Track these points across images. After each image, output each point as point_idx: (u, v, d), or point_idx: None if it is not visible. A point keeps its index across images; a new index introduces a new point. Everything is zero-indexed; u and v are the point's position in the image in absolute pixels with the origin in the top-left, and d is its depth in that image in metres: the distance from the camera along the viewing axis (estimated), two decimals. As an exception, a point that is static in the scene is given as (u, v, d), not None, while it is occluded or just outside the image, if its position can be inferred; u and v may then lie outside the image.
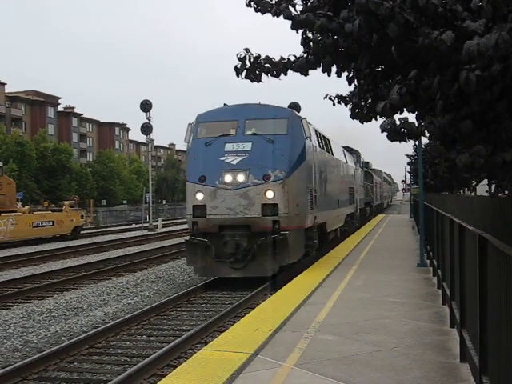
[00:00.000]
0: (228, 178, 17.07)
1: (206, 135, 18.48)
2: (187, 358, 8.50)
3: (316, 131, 21.87)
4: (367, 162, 54.68)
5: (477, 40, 3.76)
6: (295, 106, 21.73)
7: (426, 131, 5.38)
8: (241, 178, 16.99)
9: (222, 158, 17.36)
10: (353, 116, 6.14)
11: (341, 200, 27.50)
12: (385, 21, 4.15)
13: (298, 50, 5.49)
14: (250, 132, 18.09)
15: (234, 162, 17.21)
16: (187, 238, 17.93)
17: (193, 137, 18.47)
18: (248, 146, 17.50)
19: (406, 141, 5.29)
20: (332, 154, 25.54)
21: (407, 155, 44.94)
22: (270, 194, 16.83)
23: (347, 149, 35.81)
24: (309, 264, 18.21)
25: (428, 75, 4.51)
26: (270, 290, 15.95)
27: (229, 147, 17.58)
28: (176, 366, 8.19)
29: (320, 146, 21.90)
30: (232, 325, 10.77)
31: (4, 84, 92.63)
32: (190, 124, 18.74)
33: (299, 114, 19.15)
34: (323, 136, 23.99)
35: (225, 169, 17.17)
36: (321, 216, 20.73)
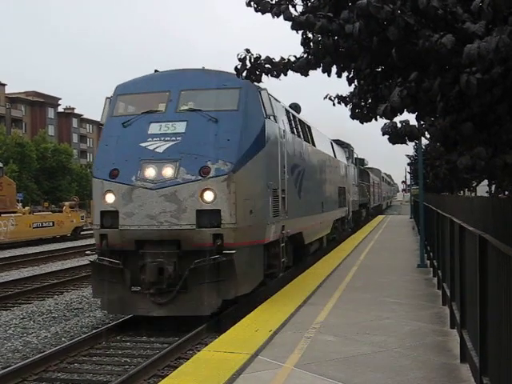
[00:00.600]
0: (150, 172, 12.06)
1: (126, 112, 13.81)
2: (187, 359, 8.50)
3: (288, 112, 17.09)
4: (362, 159, 48.61)
5: (477, 43, 3.77)
6: (295, 107, 20.55)
7: (426, 133, 5.39)
8: (168, 172, 11.96)
9: (143, 144, 12.44)
10: (353, 116, 6.15)
11: (326, 202, 22.82)
12: (385, 24, 4.16)
13: (299, 50, 5.49)
14: (185, 107, 13.18)
15: (160, 150, 12.24)
16: (95, 257, 12.95)
17: (108, 115, 13.61)
18: (181, 127, 12.53)
19: (406, 143, 5.30)
20: (313, 145, 20.51)
21: (407, 156, 44.92)
22: (208, 196, 11.75)
23: (337, 142, 30.58)
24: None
25: (428, 77, 4.52)
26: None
27: (154, 129, 12.65)
28: (176, 367, 8.18)
29: (294, 133, 17.07)
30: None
31: (4, 85, 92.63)
32: (107, 98, 13.83)
33: (259, 85, 12.16)
34: (300, 120, 19.08)
35: (146, 159, 12.21)
36: (294, 224, 15.89)
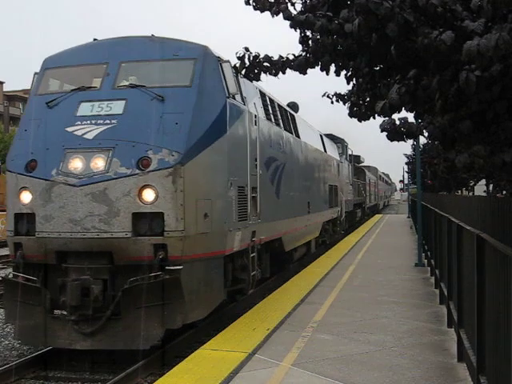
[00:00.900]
0: (75, 164, 9.45)
1: (53, 90, 10.99)
2: (184, 357, 8.49)
3: (264, 95, 13.99)
4: (358, 156, 46.23)
5: (477, 40, 3.77)
6: (293, 106, 20.06)
7: (424, 131, 5.40)
8: (98, 164, 9.38)
9: (69, 129, 9.79)
10: (351, 114, 6.15)
11: (314, 202, 19.84)
12: (384, 21, 4.16)
13: (298, 47, 5.50)
14: (125, 83, 10.44)
15: (90, 136, 9.61)
16: (8, 272, 10.63)
17: (32, 93, 11.01)
18: (118, 108, 9.89)
19: (405, 140, 5.31)
20: (297, 136, 17.38)
21: (405, 155, 44.99)
22: (148, 195, 9.22)
23: (329, 137, 27.75)
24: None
25: (427, 75, 4.52)
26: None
27: (85, 109, 10.00)
28: (173, 366, 8.17)
29: (271, 120, 14.13)
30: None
31: (2, 83, 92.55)
32: (35, 74, 11.18)
33: (220, 55, 10.89)
34: (281, 107, 15.97)
35: (71, 147, 9.59)
36: (270, 229, 13.33)
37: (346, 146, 32.88)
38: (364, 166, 52.50)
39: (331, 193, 24.42)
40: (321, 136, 23.72)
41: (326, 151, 23.71)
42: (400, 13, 4.11)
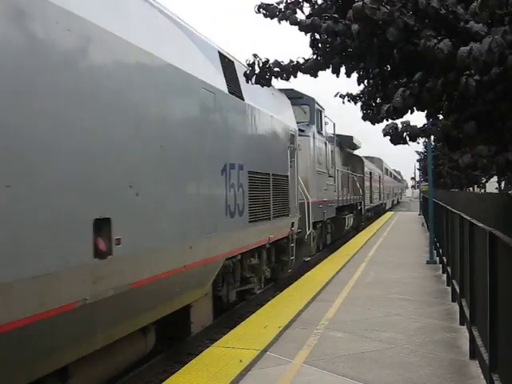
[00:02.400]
0: None
1: None
2: (196, 355, 8.51)
3: None
4: (350, 137, 30.75)
5: (470, 46, 3.78)
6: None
7: (429, 133, 5.40)
8: None
9: None
10: (364, 118, 6.17)
11: (197, 217, 8.86)
12: (384, 25, 4.17)
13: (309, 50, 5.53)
14: None
15: None
16: None
17: None
18: None
19: (408, 143, 5.31)
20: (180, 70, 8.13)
21: (417, 152, 44.91)
22: None
23: (287, 92, 16.83)
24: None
25: (432, 77, 4.52)
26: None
27: None
28: (185, 363, 8.19)
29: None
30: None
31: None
32: None
33: None
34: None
35: None
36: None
37: (320, 113, 20.71)
38: (365, 157, 41.80)
39: (277, 192, 13.89)
40: (221, 55, 10.71)
41: (243, 98, 11.41)
42: (400, 17, 4.11)
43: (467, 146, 5.17)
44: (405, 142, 5.28)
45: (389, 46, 4.44)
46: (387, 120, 5.28)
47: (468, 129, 4.61)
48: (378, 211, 48.28)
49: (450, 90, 4.45)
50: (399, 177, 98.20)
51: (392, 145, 5.32)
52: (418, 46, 4.16)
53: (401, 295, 12.21)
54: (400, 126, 5.17)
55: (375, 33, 4.35)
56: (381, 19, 4.11)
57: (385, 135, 5.24)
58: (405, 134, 5.14)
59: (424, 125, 5.55)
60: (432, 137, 6.01)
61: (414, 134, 5.21)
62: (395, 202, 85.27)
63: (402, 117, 5.18)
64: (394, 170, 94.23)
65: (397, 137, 5.19)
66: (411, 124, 5.19)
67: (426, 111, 5.40)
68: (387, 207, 60.69)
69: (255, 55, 5.52)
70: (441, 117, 5.47)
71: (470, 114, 4.60)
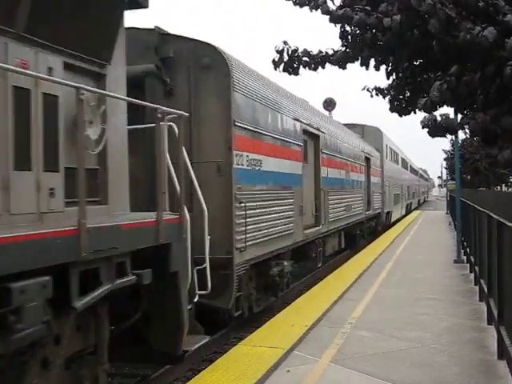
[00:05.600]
0: None
1: None
2: (223, 353, 8.54)
3: None
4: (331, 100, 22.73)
5: None
6: (330, 102, 20.48)
7: (466, 127, 5.37)
8: None
9: None
10: (392, 109, 6.15)
11: None
12: (426, 17, 4.16)
13: (337, 42, 5.51)
14: None
15: None
16: None
17: None
18: None
19: (446, 136, 5.29)
20: None
21: (444, 150, 44.60)
22: None
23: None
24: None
25: (469, 71, 4.50)
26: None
27: None
28: (212, 361, 8.22)
29: None
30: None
31: None
32: None
33: None
34: None
35: None
36: None
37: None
38: (348, 125, 25.36)
39: None
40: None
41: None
42: (442, 8, 4.10)
43: (505, 140, 5.12)
44: (443, 135, 5.27)
45: (428, 39, 4.43)
46: (420, 112, 5.27)
47: (506, 123, 4.58)
48: (373, 229, 28.23)
49: (487, 83, 4.43)
50: (418, 170, 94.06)
51: (430, 137, 5.30)
52: (458, 38, 4.15)
53: (428, 294, 12.15)
54: (439, 118, 5.15)
55: (416, 24, 4.34)
56: (425, 10, 4.11)
57: (423, 127, 5.23)
58: (443, 125, 5.12)
59: (462, 118, 5.54)
60: (460, 133, 5.98)
61: (453, 127, 5.20)
62: (422, 201, 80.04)
63: (436, 110, 5.17)
64: (422, 169, 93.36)
65: (435, 129, 5.18)
66: (450, 117, 5.17)
67: (454, 108, 5.39)
68: (400, 215, 39.87)
69: (285, 42, 5.50)
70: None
71: (508, 109, 4.58)
